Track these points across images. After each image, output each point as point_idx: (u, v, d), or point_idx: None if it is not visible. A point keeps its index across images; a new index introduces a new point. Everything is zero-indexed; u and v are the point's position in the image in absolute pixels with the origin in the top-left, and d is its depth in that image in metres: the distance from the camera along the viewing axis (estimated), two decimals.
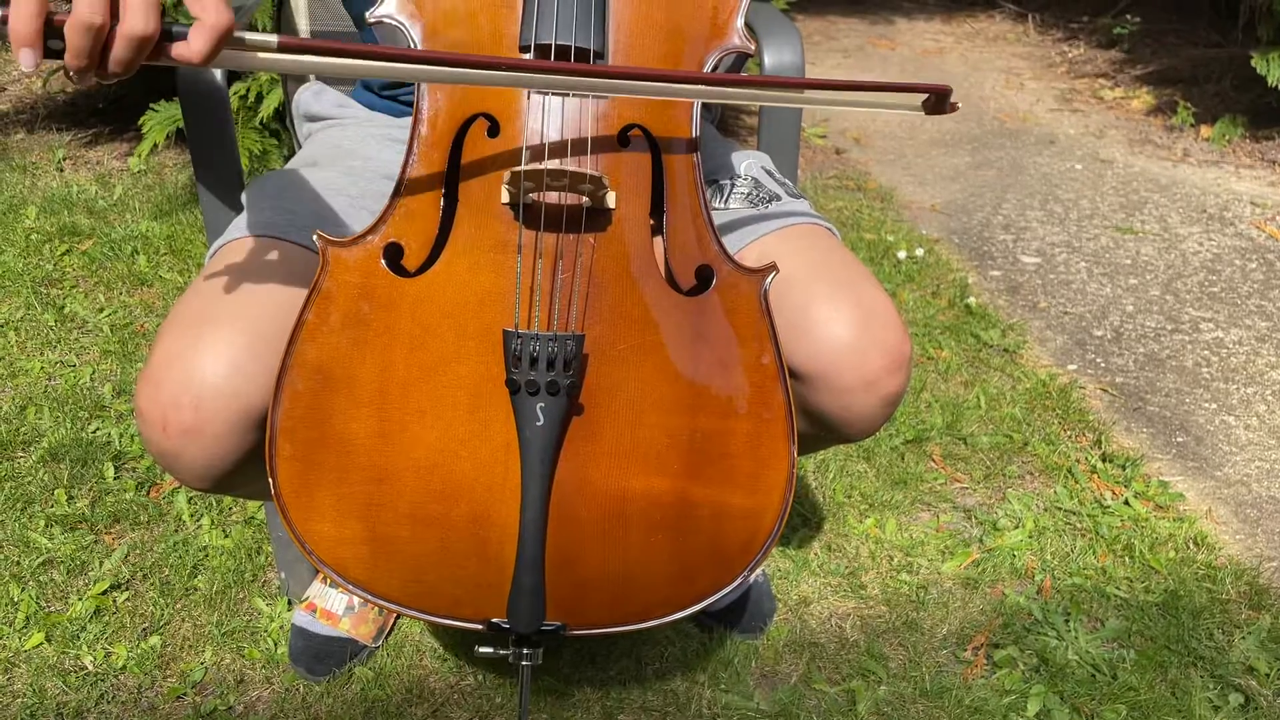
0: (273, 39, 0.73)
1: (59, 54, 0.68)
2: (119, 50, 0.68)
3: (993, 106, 4.00)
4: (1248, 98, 3.72)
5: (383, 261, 0.88)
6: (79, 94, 3.46)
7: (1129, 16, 4.77)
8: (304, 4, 1.35)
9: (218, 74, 1.17)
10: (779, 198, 1.13)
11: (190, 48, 0.69)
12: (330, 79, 1.29)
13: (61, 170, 2.90)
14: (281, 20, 1.40)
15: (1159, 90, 4.04)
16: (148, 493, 1.67)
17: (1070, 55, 4.71)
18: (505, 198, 0.89)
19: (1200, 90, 3.94)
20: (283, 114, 2.52)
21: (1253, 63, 3.33)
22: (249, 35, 0.73)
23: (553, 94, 0.90)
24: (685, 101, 0.94)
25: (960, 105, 0.91)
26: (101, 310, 2.18)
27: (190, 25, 0.70)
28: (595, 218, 0.90)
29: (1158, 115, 3.84)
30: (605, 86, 0.86)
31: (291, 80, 1.41)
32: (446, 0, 0.92)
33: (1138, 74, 4.29)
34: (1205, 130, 3.61)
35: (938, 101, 0.89)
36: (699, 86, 0.86)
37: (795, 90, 0.91)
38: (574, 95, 0.90)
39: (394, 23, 0.91)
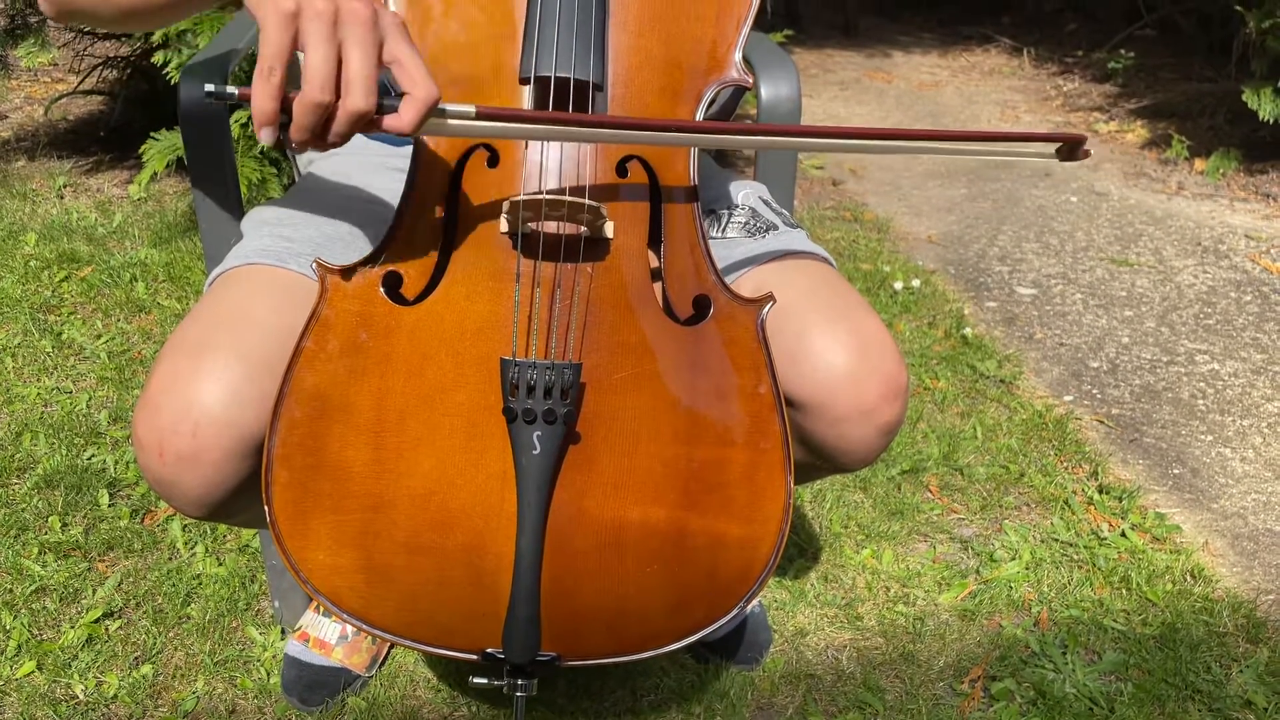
0: (471, 108, 0.79)
1: (285, 127, 0.75)
2: (339, 125, 0.74)
3: None
4: (1241, 132, 3.75)
5: (381, 289, 0.89)
6: (80, 122, 3.48)
7: (1124, 51, 4.82)
8: None
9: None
10: (776, 227, 1.14)
11: (401, 119, 0.76)
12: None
13: (62, 197, 2.91)
14: None
15: (1153, 124, 4.08)
16: (142, 520, 1.66)
17: (1065, 89, 4.75)
18: (504, 227, 0.89)
19: (1195, 124, 3.97)
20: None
21: (1244, 97, 3.36)
22: (450, 106, 0.79)
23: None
24: None
25: (1091, 152, 0.92)
26: (99, 337, 2.18)
27: (400, 98, 0.76)
28: (593, 247, 0.90)
29: (1152, 149, 3.87)
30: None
31: None
32: (448, 33, 0.93)
33: (1132, 108, 4.33)
34: (1200, 164, 3.64)
35: (1069, 150, 0.90)
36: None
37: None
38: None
39: None
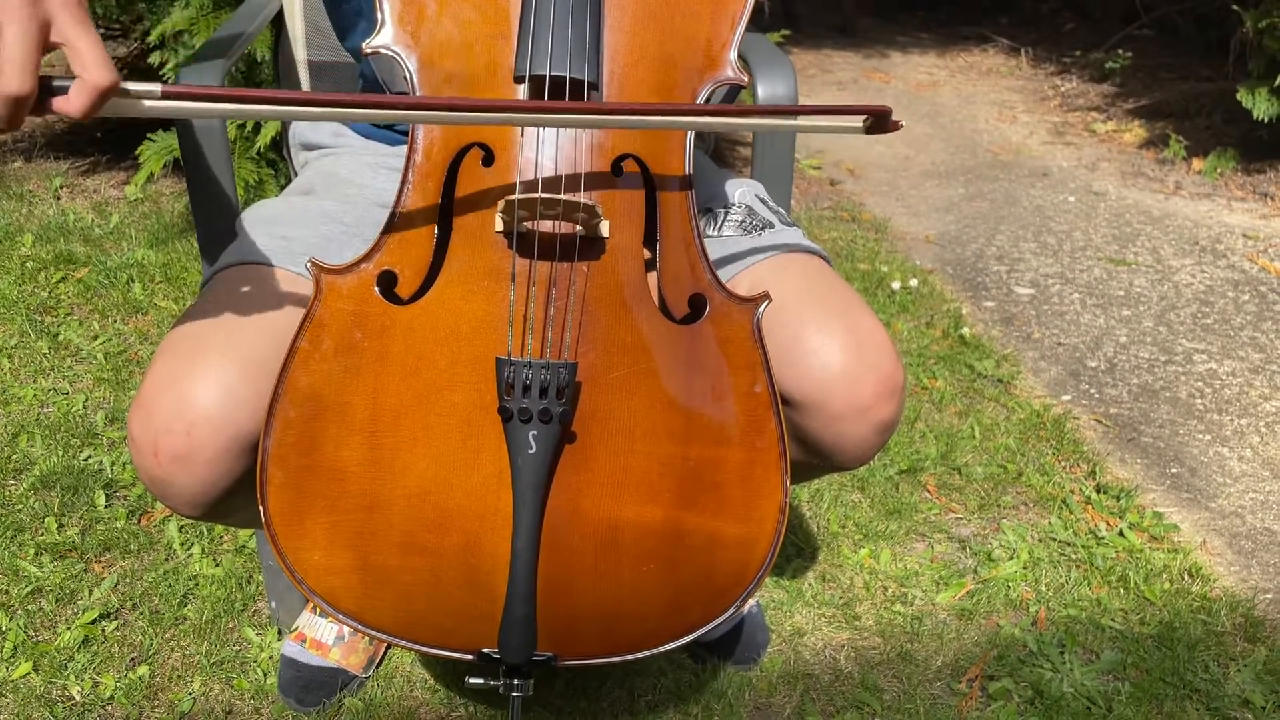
0: (156, 88, 0.74)
1: None
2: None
3: (986, 139, 4.03)
4: (1239, 131, 3.75)
5: (376, 289, 0.88)
6: (77, 123, 3.47)
7: (1121, 51, 4.82)
8: (301, 35, 1.36)
9: None
10: (772, 226, 1.14)
11: (70, 103, 0.71)
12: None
13: (58, 198, 2.91)
14: (280, 50, 1.41)
15: (1151, 124, 4.08)
16: (138, 521, 1.66)
17: (1063, 89, 4.75)
18: (499, 226, 0.89)
19: (1192, 124, 3.97)
20: (280, 144, 2.53)
21: (1239, 96, 3.36)
22: (133, 85, 0.73)
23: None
24: (679, 131, 0.95)
25: (903, 124, 0.96)
26: (96, 338, 2.17)
27: (71, 80, 0.71)
28: (589, 246, 0.90)
29: (1150, 148, 3.87)
30: (586, 122, 0.87)
31: None
32: (442, 31, 0.92)
33: (1130, 108, 4.33)
34: (1197, 163, 3.64)
35: (877, 122, 0.90)
36: (673, 118, 0.87)
37: (738, 117, 0.92)
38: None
39: (390, 54, 0.92)
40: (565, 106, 0.85)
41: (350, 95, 0.81)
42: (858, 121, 0.91)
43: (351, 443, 0.86)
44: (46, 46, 0.70)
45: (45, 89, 0.71)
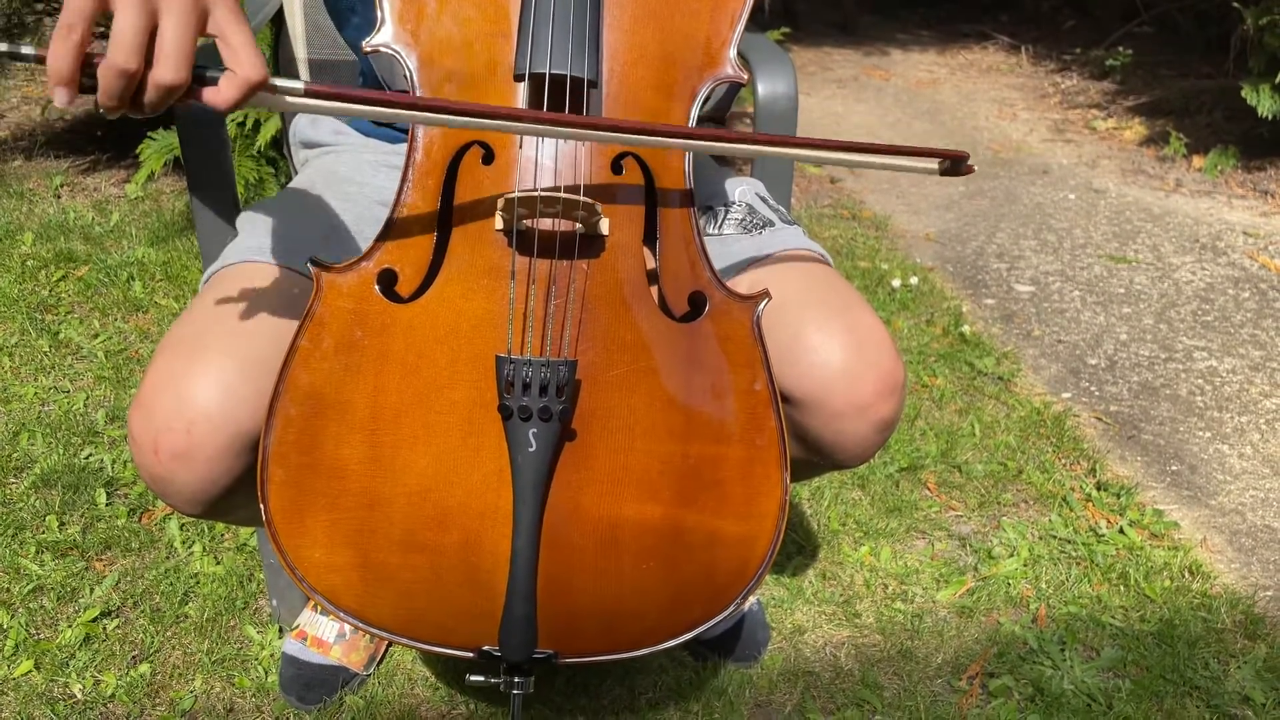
0: (299, 85, 0.75)
1: (93, 90, 0.70)
2: (149, 95, 0.70)
3: (986, 137, 4.02)
4: (1239, 128, 3.75)
5: (376, 287, 0.88)
6: (77, 121, 3.48)
7: (1121, 48, 4.82)
8: (301, 32, 1.36)
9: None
10: (772, 224, 1.14)
11: (220, 95, 0.71)
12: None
13: (59, 197, 2.91)
14: (280, 48, 1.41)
15: (1151, 121, 4.08)
16: (139, 519, 1.66)
17: (1063, 86, 4.75)
18: (499, 224, 0.89)
19: (1192, 121, 3.97)
20: (280, 142, 2.53)
21: (1243, 94, 3.36)
22: (279, 81, 0.75)
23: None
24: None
25: (975, 168, 0.97)
26: (96, 336, 2.18)
27: (222, 71, 0.72)
28: (588, 244, 0.90)
29: (1150, 146, 3.87)
30: (607, 139, 0.87)
31: None
32: (442, 29, 0.92)
33: (1130, 105, 4.33)
34: (1198, 160, 3.64)
35: (953, 165, 0.91)
36: (709, 143, 0.88)
37: (810, 149, 0.91)
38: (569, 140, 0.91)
39: (390, 51, 0.92)
40: (632, 126, 0.86)
41: (488, 106, 0.83)
42: (933, 164, 0.91)
43: (352, 441, 0.86)
44: (203, 36, 0.71)
45: (196, 79, 0.71)
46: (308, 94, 0.76)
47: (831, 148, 0.90)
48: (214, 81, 0.72)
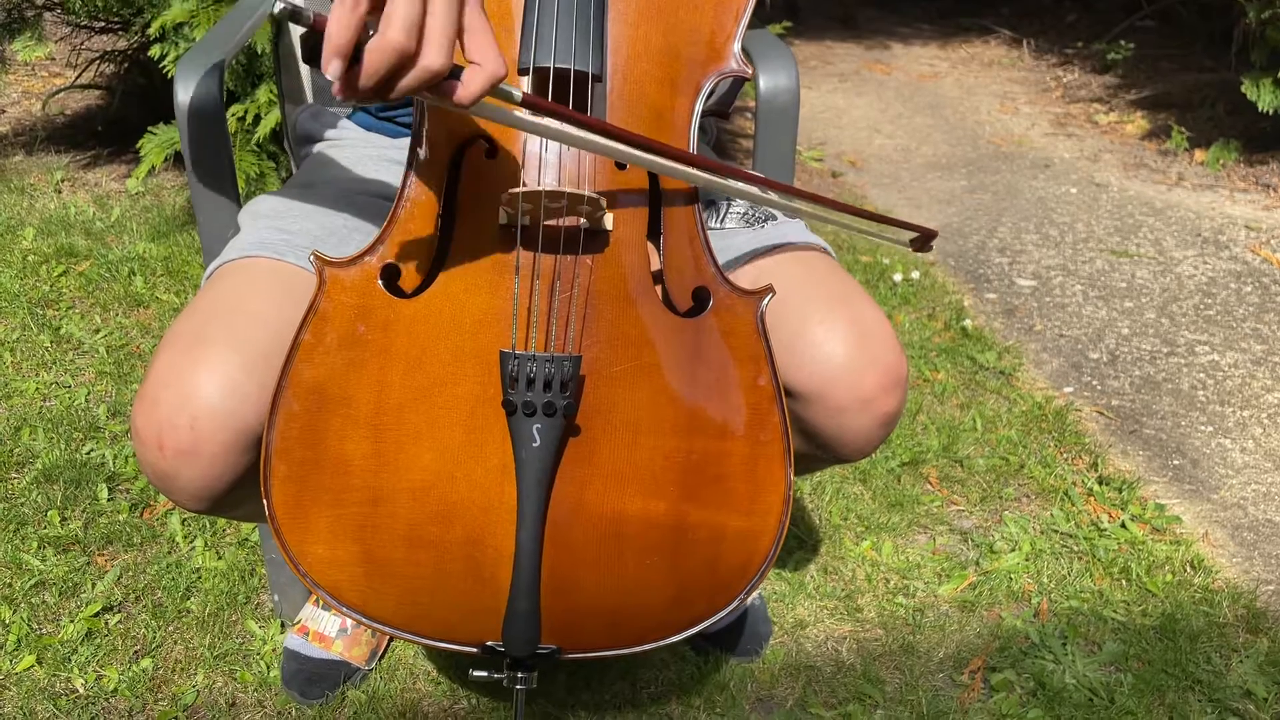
0: (517, 93, 0.76)
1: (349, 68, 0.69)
2: (409, 80, 0.69)
3: (988, 130, 4.02)
4: (1242, 122, 3.74)
5: (380, 282, 0.88)
6: (77, 116, 3.47)
7: (1123, 42, 4.81)
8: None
9: (215, 96, 1.17)
10: (775, 218, 1.13)
11: (467, 89, 0.71)
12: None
13: (59, 192, 2.91)
14: (280, 43, 1.40)
15: (1153, 115, 4.07)
16: (141, 514, 1.66)
17: (1065, 80, 4.74)
18: (503, 219, 0.89)
19: (1194, 115, 3.96)
20: (280, 135, 2.52)
21: (1243, 88, 3.35)
22: (502, 85, 0.76)
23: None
24: (682, 125, 0.95)
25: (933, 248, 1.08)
26: (98, 331, 2.17)
27: (464, 67, 0.72)
28: (592, 239, 0.90)
29: (1152, 140, 3.86)
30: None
31: (289, 101, 1.41)
32: None
33: (1132, 99, 4.32)
34: (1200, 154, 3.63)
35: (923, 241, 0.97)
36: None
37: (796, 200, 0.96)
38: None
39: None
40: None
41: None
42: (905, 237, 0.97)
43: (355, 436, 0.86)
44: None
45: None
46: (524, 103, 0.77)
47: (820, 203, 0.95)
48: (457, 76, 0.72)
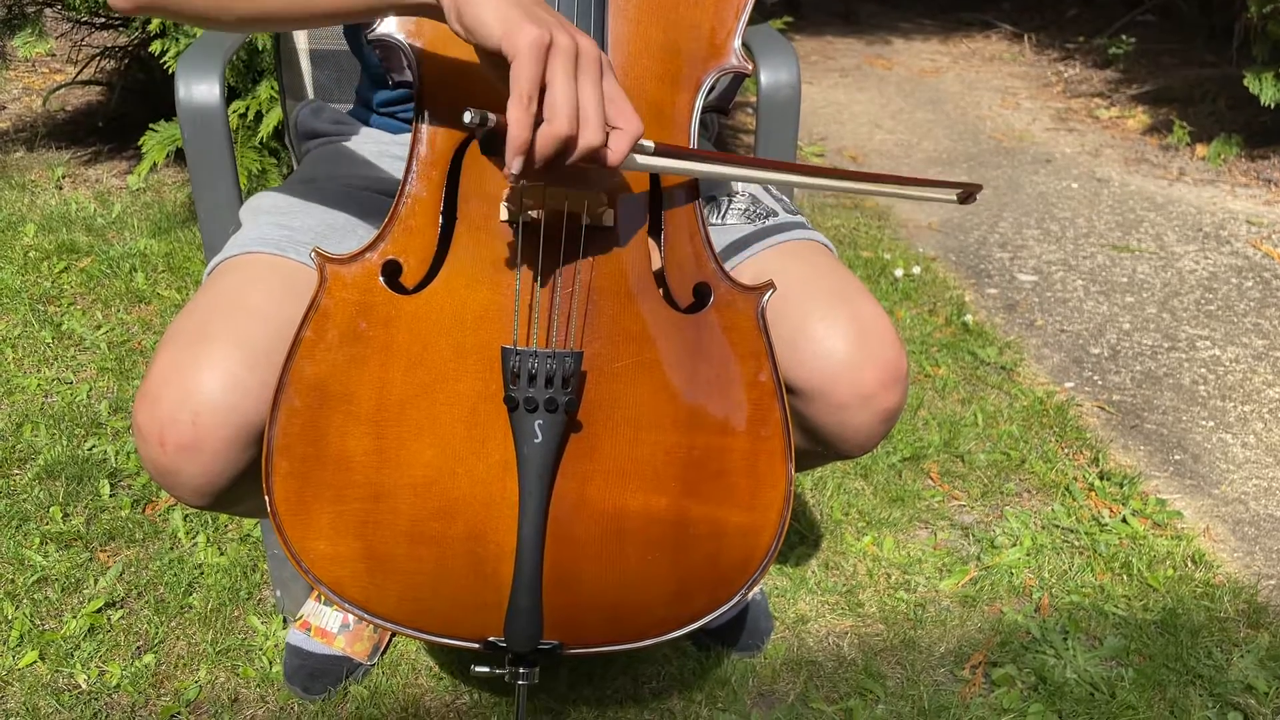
0: (650, 144, 0.84)
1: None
2: (574, 157, 0.76)
3: (989, 126, 4.02)
4: (1243, 117, 3.74)
5: (381, 278, 0.88)
6: (78, 112, 3.47)
7: (1124, 36, 4.80)
8: None
9: (216, 93, 1.17)
10: (776, 214, 1.13)
11: (614, 152, 0.78)
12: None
13: (60, 188, 2.91)
14: (281, 39, 1.40)
15: (1155, 110, 4.07)
16: (143, 510, 1.66)
17: (1066, 75, 4.73)
18: (504, 215, 0.89)
19: (1196, 110, 3.96)
20: (282, 132, 2.52)
21: (1245, 82, 3.35)
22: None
23: None
24: (683, 121, 0.95)
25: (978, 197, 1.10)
26: (99, 328, 2.18)
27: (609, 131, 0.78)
28: (593, 236, 0.90)
29: (1153, 134, 3.86)
30: (771, 180, 0.93)
31: (291, 97, 1.41)
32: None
33: (1133, 93, 4.32)
34: (1201, 149, 3.63)
35: (968, 195, 0.98)
36: (758, 172, 0.93)
37: (827, 178, 0.98)
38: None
39: (393, 41, 0.92)
40: (791, 166, 0.93)
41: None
42: (951, 194, 0.97)
43: (357, 432, 0.86)
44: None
45: None
46: (657, 152, 0.84)
47: (854, 178, 0.95)
48: (606, 142, 0.77)
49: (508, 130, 0.73)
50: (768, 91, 1.27)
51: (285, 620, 1.45)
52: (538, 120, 0.74)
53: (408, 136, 0.93)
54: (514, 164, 0.74)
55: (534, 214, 0.88)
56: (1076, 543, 1.68)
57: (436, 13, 0.78)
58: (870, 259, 2.70)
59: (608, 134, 0.77)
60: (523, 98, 0.73)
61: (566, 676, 1.38)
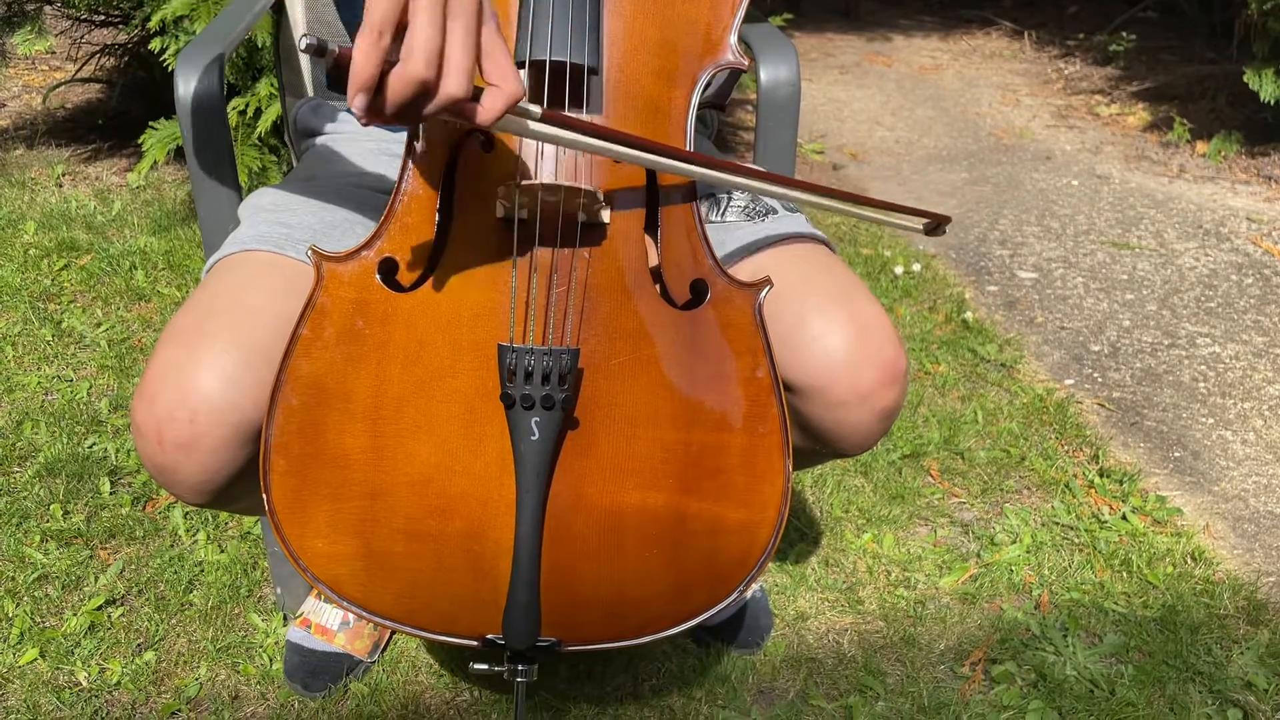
0: (536, 109, 0.78)
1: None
2: (432, 106, 0.71)
3: (989, 123, 4.01)
4: (1243, 114, 3.73)
5: (378, 276, 0.88)
6: (78, 110, 3.47)
7: (1124, 33, 4.80)
8: (301, 20, 1.35)
9: (216, 90, 1.17)
10: (775, 211, 1.13)
11: (486, 110, 0.72)
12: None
13: (60, 186, 2.91)
14: (280, 36, 1.40)
15: (1155, 106, 4.06)
16: (143, 508, 1.67)
17: (1066, 72, 4.73)
18: (500, 212, 0.89)
19: (1196, 106, 3.96)
20: (281, 129, 2.52)
21: (1245, 79, 3.35)
22: (522, 103, 0.77)
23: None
24: (679, 117, 0.95)
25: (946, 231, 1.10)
26: (99, 325, 2.18)
27: (483, 88, 0.73)
28: (590, 232, 0.90)
29: (1154, 131, 3.85)
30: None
31: (290, 94, 1.41)
32: None
33: (1134, 90, 4.31)
34: (1201, 146, 3.62)
35: (936, 225, 0.98)
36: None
37: (807, 194, 0.97)
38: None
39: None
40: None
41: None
42: (918, 224, 0.98)
43: (354, 430, 0.86)
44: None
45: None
46: (543, 119, 0.79)
47: (831, 195, 0.95)
48: (478, 97, 0.73)
49: (350, 63, 0.68)
50: (767, 89, 1.26)
51: (285, 617, 1.45)
52: (395, 61, 0.69)
53: (405, 134, 0.93)
54: (356, 100, 0.68)
55: (530, 211, 0.88)
56: (1076, 540, 1.68)
57: None
58: (870, 256, 2.70)
59: (478, 89, 0.72)
60: (372, 29, 0.67)
61: (565, 674, 1.38)
